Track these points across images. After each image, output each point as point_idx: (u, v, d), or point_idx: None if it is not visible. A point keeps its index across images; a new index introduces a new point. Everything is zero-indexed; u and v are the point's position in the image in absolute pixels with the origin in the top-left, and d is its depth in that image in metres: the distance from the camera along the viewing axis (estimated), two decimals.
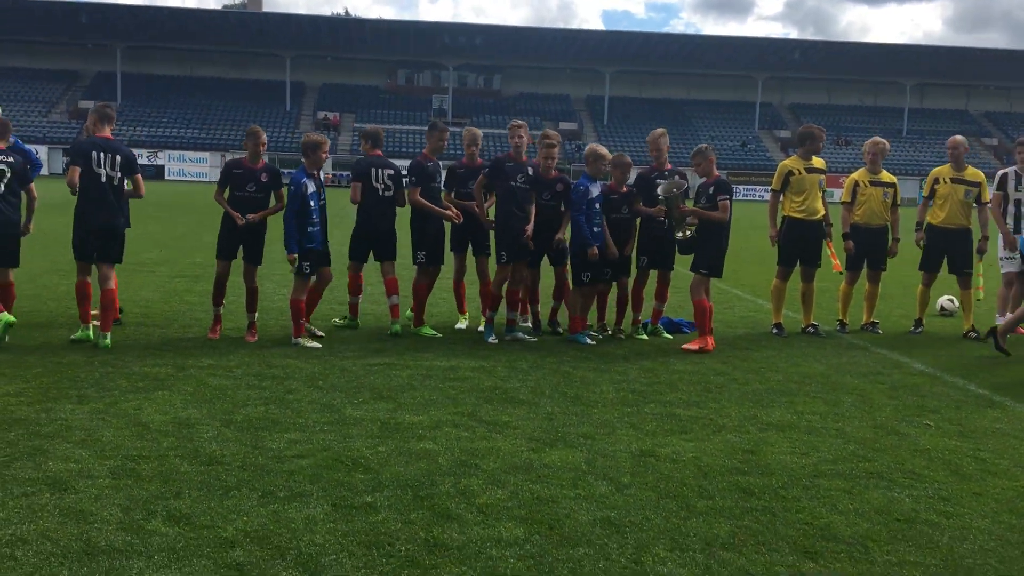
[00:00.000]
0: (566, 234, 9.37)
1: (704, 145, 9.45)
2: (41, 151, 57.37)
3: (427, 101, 78.81)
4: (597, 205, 9.02)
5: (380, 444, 5.71)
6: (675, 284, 10.10)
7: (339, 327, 9.61)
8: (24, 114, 67.99)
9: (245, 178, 8.85)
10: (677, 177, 9.38)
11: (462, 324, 9.99)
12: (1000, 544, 4.52)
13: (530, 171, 9.13)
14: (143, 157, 63.23)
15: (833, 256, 10.53)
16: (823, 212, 10.20)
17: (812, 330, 10.20)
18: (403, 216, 9.33)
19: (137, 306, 10.51)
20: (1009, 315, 10.64)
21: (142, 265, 14.20)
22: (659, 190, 9.13)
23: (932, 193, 10.62)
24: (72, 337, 8.57)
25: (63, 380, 7.01)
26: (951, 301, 11.78)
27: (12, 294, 8.61)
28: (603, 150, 9.18)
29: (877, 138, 10.67)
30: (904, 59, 77.52)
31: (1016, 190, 10.55)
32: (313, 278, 8.98)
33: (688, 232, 9.13)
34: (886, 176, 10.60)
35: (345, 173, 68.83)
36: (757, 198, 64.08)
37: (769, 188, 10.86)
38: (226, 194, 8.96)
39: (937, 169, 10.78)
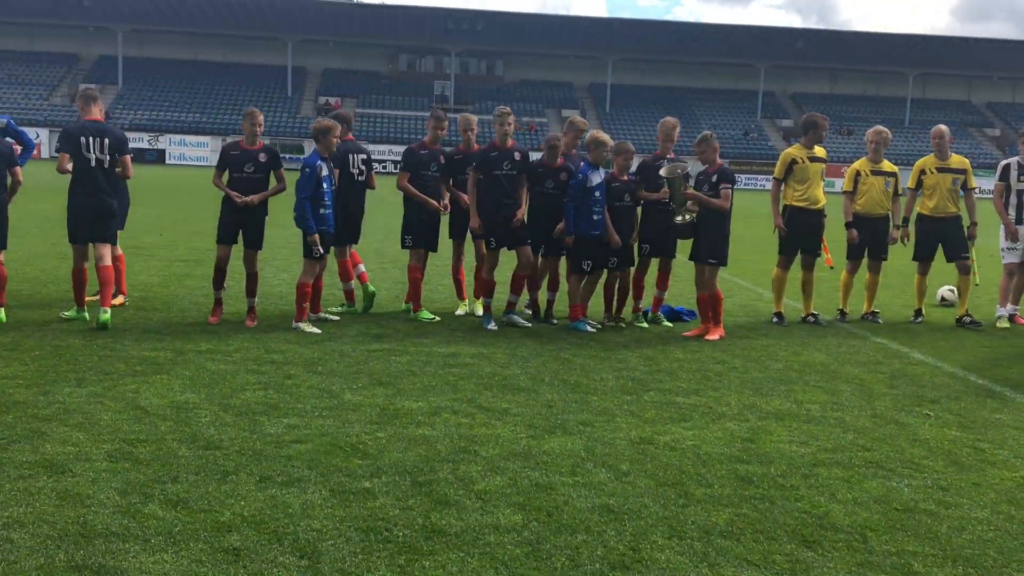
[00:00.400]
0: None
1: (708, 132, 9.39)
2: (42, 134, 57.29)
3: (429, 87, 78.53)
4: (598, 193, 8.97)
5: (379, 430, 5.70)
6: (675, 272, 10.06)
7: (340, 314, 9.56)
8: (25, 97, 67.78)
9: (243, 159, 8.82)
10: (678, 162, 9.35)
11: (461, 310, 9.98)
12: (999, 535, 4.51)
13: (517, 156, 9.09)
14: (143, 141, 63.12)
15: (826, 250, 10.50)
16: (824, 201, 10.16)
17: (812, 319, 10.18)
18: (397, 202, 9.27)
19: (136, 290, 10.49)
20: (1011, 305, 10.65)
21: (142, 249, 14.16)
22: (662, 171, 9.09)
23: (919, 184, 10.60)
24: (63, 314, 8.64)
25: (61, 363, 7.00)
26: (952, 291, 11.75)
27: (3, 274, 8.48)
28: (604, 136, 9.13)
29: (880, 127, 10.62)
30: (907, 49, 77.14)
31: (1018, 180, 10.51)
32: (324, 262, 8.97)
33: (688, 216, 9.09)
34: (887, 165, 10.56)
35: None
36: (759, 187, 63.96)
37: (770, 177, 10.82)
38: (225, 178, 8.93)
39: (922, 160, 10.75)
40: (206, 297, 9.90)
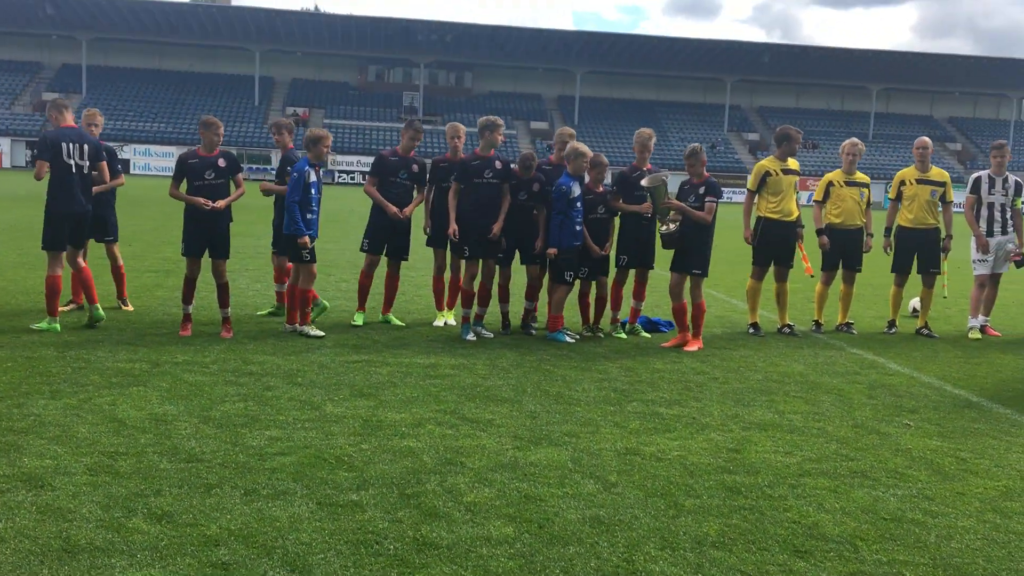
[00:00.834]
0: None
1: (697, 146, 9.40)
2: (3, 143, 56.42)
3: (398, 98, 78.42)
4: (579, 203, 8.98)
5: (363, 442, 5.63)
6: (652, 284, 10.08)
7: (267, 315, 9.84)
8: None
9: (202, 166, 8.73)
10: (660, 172, 9.37)
11: (440, 321, 9.93)
12: (987, 544, 4.54)
13: (498, 165, 9.09)
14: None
15: (805, 259, 10.59)
16: (797, 213, 10.24)
17: (788, 330, 10.24)
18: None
19: (108, 301, 10.29)
20: (982, 316, 10.80)
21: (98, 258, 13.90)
22: (643, 182, 9.10)
23: (899, 195, 10.72)
24: (34, 326, 8.51)
25: (34, 375, 6.85)
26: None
27: None
28: (584, 147, 9.13)
29: (855, 139, 10.74)
30: (871, 64, 78.32)
31: (989, 193, 10.68)
32: (315, 265, 9.00)
33: (672, 226, 9.11)
34: (860, 176, 10.67)
35: None
36: (727, 199, 64.46)
37: (739, 189, 10.92)
38: (183, 188, 8.83)
39: (902, 171, 10.88)
40: (179, 308, 9.74)
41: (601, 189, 9.45)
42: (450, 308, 9.98)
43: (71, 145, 8.45)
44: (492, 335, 9.24)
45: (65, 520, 4.24)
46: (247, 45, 74.23)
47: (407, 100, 77.76)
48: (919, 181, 10.60)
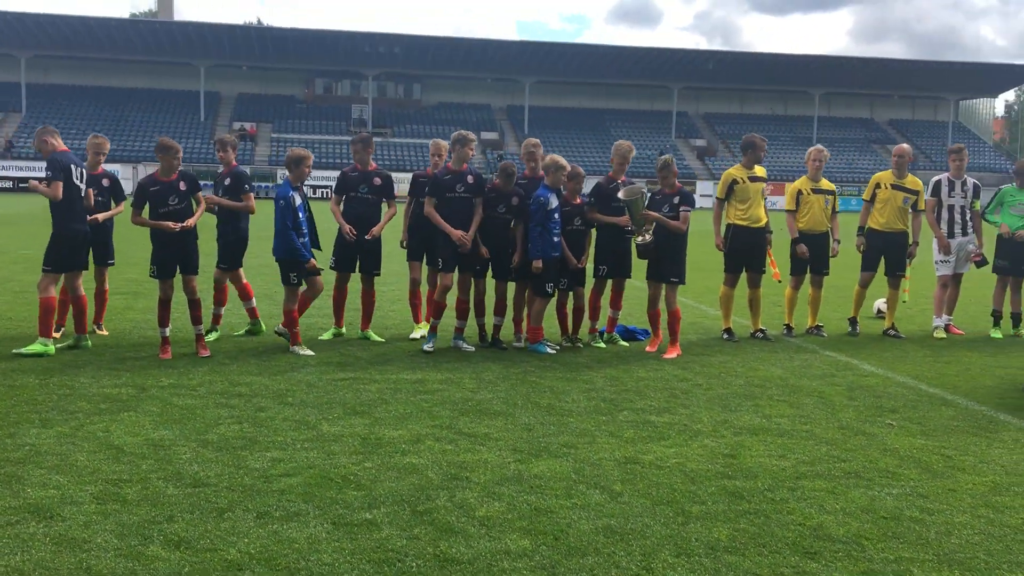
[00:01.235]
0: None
1: (668, 157, 9.57)
2: None
3: (346, 110, 78.07)
4: (557, 216, 9.09)
5: (366, 460, 5.65)
6: (626, 292, 10.20)
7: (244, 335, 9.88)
8: None
9: (165, 192, 8.69)
10: (638, 184, 9.52)
11: (417, 333, 9.96)
12: (984, 537, 4.71)
13: (470, 179, 9.16)
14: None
15: (773, 265, 10.81)
16: (766, 219, 10.45)
17: (761, 335, 10.44)
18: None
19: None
20: (945, 316, 11.11)
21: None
22: (621, 194, 9.24)
23: (873, 197, 10.98)
24: (22, 350, 8.48)
25: (20, 403, 6.75)
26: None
27: None
28: (563, 160, 9.24)
29: (821, 147, 11.01)
30: (812, 70, 79.86)
31: (949, 196, 11.01)
32: (303, 287, 9.09)
33: (648, 236, 9.25)
34: (826, 184, 10.93)
35: (264, 184, 67.71)
36: None
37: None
38: (145, 213, 8.79)
39: (879, 174, 11.16)
40: (154, 330, 9.66)
41: (578, 201, 9.56)
42: (427, 320, 9.99)
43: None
44: (473, 348, 9.29)
45: (82, 550, 4.20)
46: (191, 60, 73.38)
47: (356, 113, 77.45)
48: (894, 186, 10.88)
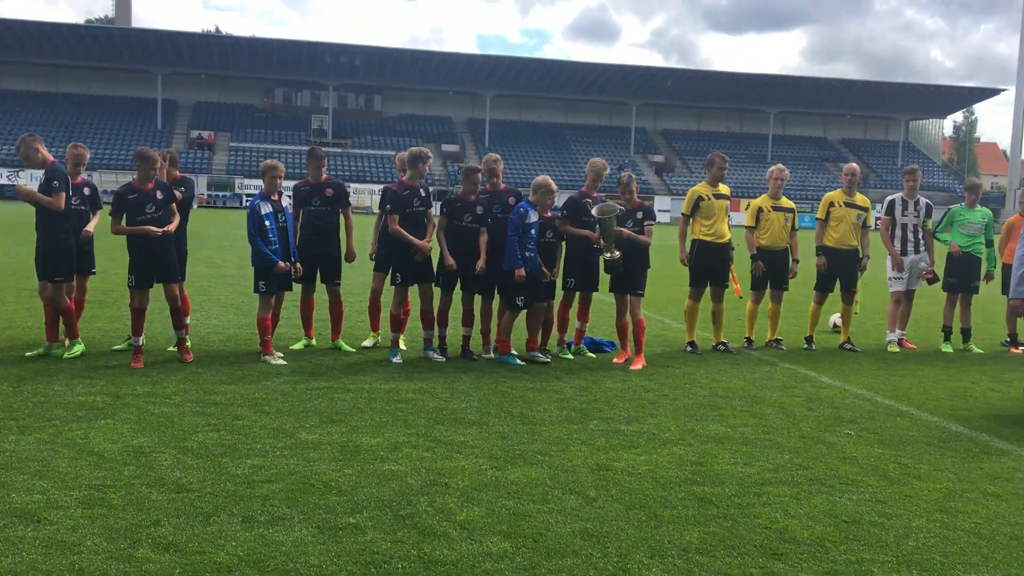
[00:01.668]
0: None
1: (628, 174, 9.85)
2: None
3: (306, 120, 77.90)
4: (533, 231, 9.29)
5: (345, 467, 5.78)
6: (592, 305, 10.42)
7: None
8: None
9: (142, 201, 8.76)
10: (612, 202, 9.76)
11: (368, 342, 10.11)
12: (940, 540, 4.97)
13: (422, 193, 9.34)
14: (3, 177, 60.21)
15: (734, 280, 11.11)
16: (729, 235, 10.74)
17: (723, 347, 10.72)
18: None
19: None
20: (899, 331, 11.49)
21: (36, 292, 13.60)
22: (595, 211, 9.46)
23: (827, 215, 11.34)
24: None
25: None
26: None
27: None
28: (553, 184, 9.49)
29: (781, 166, 11.34)
30: (768, 88, 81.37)
31: (903, 215, 11.40)
32: (273, 298, 9.25)
33: (616, 253, 9.49)
34: (785, 201, 11.26)
35: (222, 194, 67.10)
36: None
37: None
38: (123, 222, 8.85)
39: (830, 194, 11.53)
40: (122, 339, 9.68)
41: (549, 214, 9.76)
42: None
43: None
44: (444, 359, 9.44)
45: (73, 553, 4.29)
46: (148, 67, 72.81)
47: (316, 123, 77.31)
48: (847, 204, 11.25)
